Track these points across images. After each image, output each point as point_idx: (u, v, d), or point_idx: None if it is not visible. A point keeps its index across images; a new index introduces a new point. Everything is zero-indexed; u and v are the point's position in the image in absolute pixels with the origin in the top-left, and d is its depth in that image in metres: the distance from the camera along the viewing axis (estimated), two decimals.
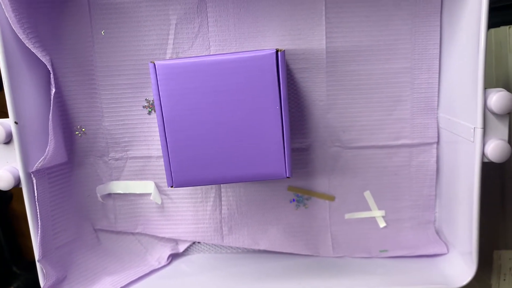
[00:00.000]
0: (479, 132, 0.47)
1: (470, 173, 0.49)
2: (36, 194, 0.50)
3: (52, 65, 0.53)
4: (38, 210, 0.51)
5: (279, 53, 0.42)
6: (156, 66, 0.43)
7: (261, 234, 0.60)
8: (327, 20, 0.54)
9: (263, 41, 0.55)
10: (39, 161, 0.51)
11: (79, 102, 0.56)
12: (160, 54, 0.55)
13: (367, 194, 0.60)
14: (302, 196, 0.60)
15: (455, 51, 0.52)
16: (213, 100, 0.44)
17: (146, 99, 0.57)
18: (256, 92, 0.43)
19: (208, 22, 0.55)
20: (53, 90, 0.53)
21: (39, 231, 0.51)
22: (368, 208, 0.60)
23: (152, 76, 0.43)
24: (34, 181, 0.50)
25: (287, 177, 0.45)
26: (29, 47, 0.50)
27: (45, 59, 0.52)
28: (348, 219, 0.60)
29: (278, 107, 0.43)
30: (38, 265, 0.52)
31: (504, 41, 0.62)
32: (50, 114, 0.52)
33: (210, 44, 0.55)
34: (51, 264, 0.52)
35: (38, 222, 0.51)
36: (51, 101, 0.52)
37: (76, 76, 0.56)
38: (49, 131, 0.52)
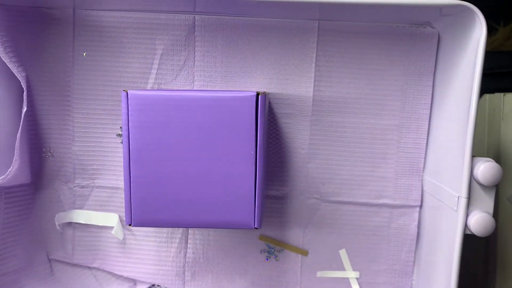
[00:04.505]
0: (463, 201, 0.44)
1: (451, 243, 0.46)
2: None
3: (27, 82, 0.51)
4: None
5: (259, 96, 0.40)
6: (128, 95, 0.41)
7: (226, 284, 0.56)
8: (317, 68, 0.53)
9: (249, 81, 0.53)
10: None
11: (51, 122, 0.54)
12: (141, 83, 0.53)
13: (343, 253, 0.56)
14: (274, 247, 0.56)
15: (445, 114, 0.50)
16: (185, 137, 0.41)
17: (121, 127, 0.54)
18: (232, 134, 0.41)
19: (195, 56, 0.53)
20: (25, 109, 0.50)
21: None
22: (342, 268, 0.57)
23: (124, 105, 0.41)
24: None
25: (255, 228, 0.42)
26: (5, 62, 0.48)
27: (20, 75, 0.50)
28: (320, 277, 0.57)
29: (253, 152, 0.41)
30: None
31: (498, 108, 0.61)
32: (19, 133, 0.49)
33: (195, 78, 0.53)
34: None
35: None
36: (21, 120, 0.50)
37: (51, 96, 0.53)
38: (15, 150, 0.49)
